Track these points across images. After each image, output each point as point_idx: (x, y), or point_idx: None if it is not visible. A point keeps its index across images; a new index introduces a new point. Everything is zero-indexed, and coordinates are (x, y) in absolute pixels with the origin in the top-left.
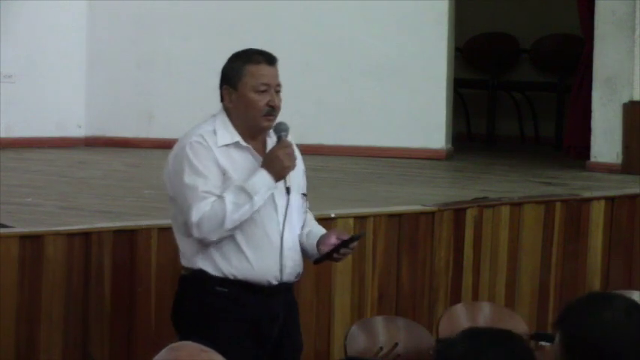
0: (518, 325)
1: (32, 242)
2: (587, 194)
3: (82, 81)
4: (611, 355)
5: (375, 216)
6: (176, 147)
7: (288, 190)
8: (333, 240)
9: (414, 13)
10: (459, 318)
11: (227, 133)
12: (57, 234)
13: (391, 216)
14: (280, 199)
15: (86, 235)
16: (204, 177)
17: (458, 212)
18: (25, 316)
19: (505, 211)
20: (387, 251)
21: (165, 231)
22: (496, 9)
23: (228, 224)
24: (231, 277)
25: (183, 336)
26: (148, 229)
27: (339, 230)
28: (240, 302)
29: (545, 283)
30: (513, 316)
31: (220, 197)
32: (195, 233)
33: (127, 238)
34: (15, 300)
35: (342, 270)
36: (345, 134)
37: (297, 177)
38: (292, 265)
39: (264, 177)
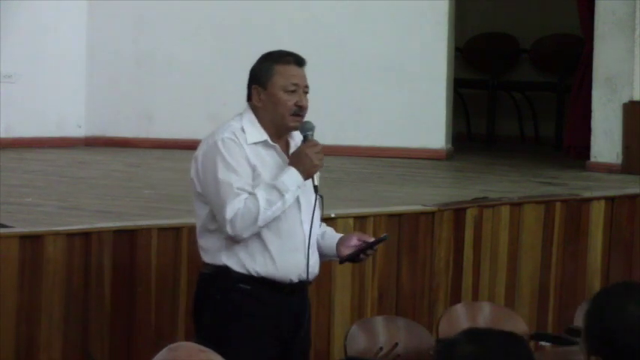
0: (518, 325)
1: (32, 242)
2: (587, 194)
3: (82, 81)
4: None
5: (375, 216)
6: (204, 144)
7: (316, 189)
8: (355, 242)
9: (414, 13)
10: (459, 318)
11: (256, 131)
12: (57, 234)
13: (391, 216)
14: (303, 198)
15: (86, 235)
16: (238, 173)
17: (458, 212)
18: (25, 316)
19: (505, 211)
20: (387, 251)
21: (166, 231)
22: (496, 9)
23: (261, 222)
24: (255, 275)
25: (205, 333)
26: (148, 229)
27: (360, 232)
28: (262, 300)
29: (545, 283)
30: (513, 316)
31: (252, 194)
32: (229, 230)
33: (127, 238)
34: (15, 300)
35: (342, 270)
36: (345, 134)
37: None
38: (313, 265)
39: (294, 175)
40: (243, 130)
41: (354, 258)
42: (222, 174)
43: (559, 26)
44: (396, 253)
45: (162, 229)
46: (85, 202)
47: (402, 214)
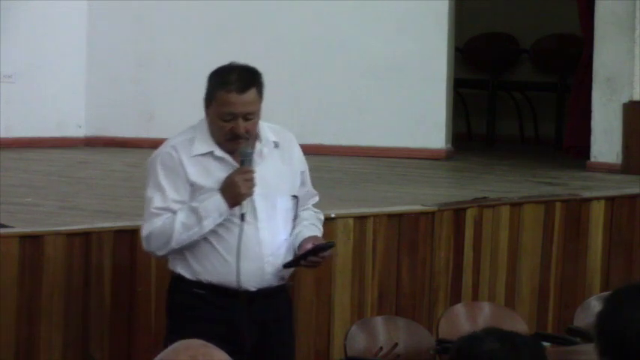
0: (518, 325)
1: (32, 242)
2: (587, 194)
3: (82, 81)
4: None
5: (375, 216)
6: (154, 152)
7: (242, 217)
8: (309, 247)
9: (414, 13)
10: (459, 318)
11: (204, 142)
12: (57, 234)
13: (391, 216)
14: (263, 204)
15: (86, 235)
16: (163, 192)
17: (458, 212)
18: (25, 315)
19: (505, 211)
20: (387, 251)
21: None
22: (496, 9)
23: (174, 244)
24: (205, 281)
25: (167, 335)
26: None
27: (318, 238)
28: (216, 305)
29: (545, 283)
30: (513, 316)
31: (174, 214)
32: (145, 246)
33: (127, 238)
34: (15, 300)
35: (342, 270)
36: (345, 134)
37: (289, 179)
38: (273, 271)
39: (217, 202)
40: (192, 140)
41: (294, 264)
42: (149, 191)
43: (559, 26)
44: (396, 253)
45: None
46: (85, 202)
47: (402, 214)
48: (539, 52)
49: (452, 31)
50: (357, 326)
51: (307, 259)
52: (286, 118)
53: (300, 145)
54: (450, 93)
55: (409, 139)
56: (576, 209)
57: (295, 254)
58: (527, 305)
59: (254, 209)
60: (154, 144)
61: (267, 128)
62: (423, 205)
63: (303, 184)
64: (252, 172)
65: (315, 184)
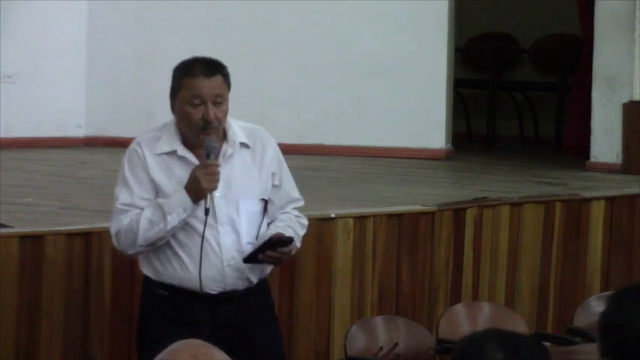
0: (518, 325)
1: (32, 242)
2: (587, 194)
3: (82, 81)
4: None
5: (375, 216)
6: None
7: (206, 212)
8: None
9: (414, 13)
10: (459, 318)
11: (169, 141)
12: (57, 234)
13: (391, 216)
14: (224, 206)
15: (86, 235)
16: (130, 189)
17: (458, 212)
18: (25, 316)
19: (505, 211)
20: (387, 251)
21: None
22: (496, 9)
23: (142, 241)
24: (168, 283)
25: (136, 335)
26: None
27: (281, 234)
28: (180, 307)
29: (545, 283)
30: (513, 316)
31: (140, 211)
32: (115, 244)
33: None
34: (15, 300)
35: (342, 270)
36: (345, 134)
37: (256, 182)
38: (236, 275)
39: (182, 197)
40: (158, 139)
41: (252, 258)
42: (117, 188)
43: (559, 26)
44: (396, 253)
45: None
46: (85, 202)
47: (402, 214)
48: (539, 52)
49: (452, 31)
50: (357, 326)
51: (265, 253)
52: (286, 118)
53: (300, 145)
54: (450, 93)
55: (409, 139)
56: (576, 209)
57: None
58: (527, 305)
59: (214, 212)
60: None
61: (237, 128)
62: (423, 205)
63: (278, 186)
64: (216, 166)
65: (315, 184)
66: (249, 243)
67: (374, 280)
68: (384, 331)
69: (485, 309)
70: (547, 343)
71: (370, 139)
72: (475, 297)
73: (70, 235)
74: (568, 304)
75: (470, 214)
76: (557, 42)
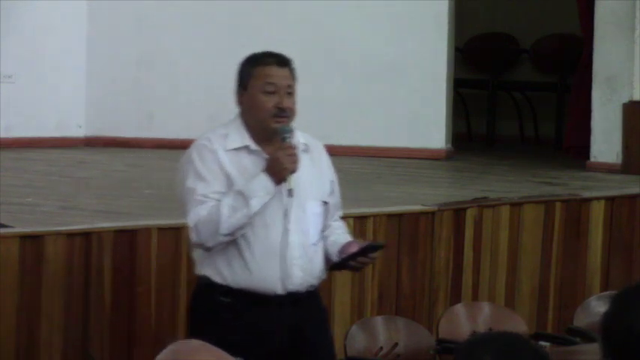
0: (518, 325)
1: (32, 242)
2: (587, 194)
3: (82, 81)
4: None
5: (375, 216)
6: (187, 150)
7: (290, 193)
8: (354, 248)
9: (414, 13)
10: (459, 318)
11: (239, 136)
12: (57, 234)
13: (391, 216)
14: (296, 204)
15: (86, 235)
16: (206, 181)
17: (458, 212)
18: (25, 316)
19: (505, 211)
20: (387, 251)
21: (165, 231)
22: (496, 9)
23: (224, 229)
24: (234, 286)
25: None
26: (147, 229)
27: (361, 240)
28: (244, 312)
29: (545, 283)
30: (513, 316)
31: (219, 201)
32: (194, 238)
33: (127, 238)
34: (15, 300)
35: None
36: (345, 134)
37: (318, 183)
38: (302, 275)
39: (263, 180)
40: (227, 135)
41: (343, 266)
42: (190, 181)
43: (559, 26)
44: (396, 253)
45: (162, 229)
46: (85, 202)
47: (402, 214)
48: (539, 52)
49: (452, 31)
50: (357, 326)
51: (358, 259)
52: None
53: None
54: (450, 93)
55: (409, 139)
56: (576, 209)
57: (341, 257)
58: (527, 305)
59: (284, 209)
60: (154, 144)
61: (297, 131)
62: (423, 205)
63: (332, 193)
64: (293, 147)
65: None
66: (314, 244)
67: (374, 280)
68: (384, 331)
69: (485, 309)
70: (547, 343)
71: (370, 139)
72: (475, 297)
73: (70, 235)
74: (568, 304)
75: (470, 214)
76: (557, 42)
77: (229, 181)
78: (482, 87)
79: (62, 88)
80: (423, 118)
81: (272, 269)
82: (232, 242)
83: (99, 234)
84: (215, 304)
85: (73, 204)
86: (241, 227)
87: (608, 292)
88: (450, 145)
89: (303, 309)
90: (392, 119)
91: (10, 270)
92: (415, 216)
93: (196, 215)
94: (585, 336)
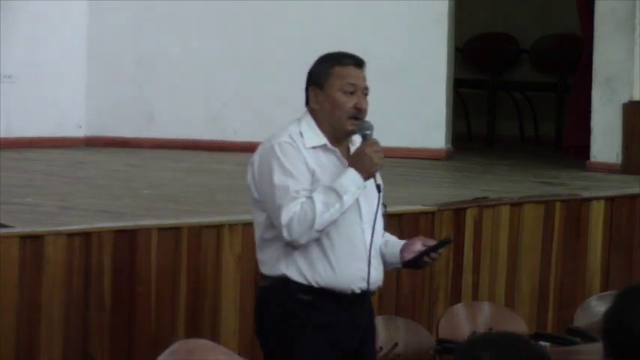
0: (518, 325)
1: (32, 242)
2: (587, 194)
3: (82, 81)
4: None
5: None
6: (261, 149)
7: (379, 188)
8: (419, 246)
9: (414, 13)
10: (459, 318)
11: (314, 135)
12: (57, 234)
13: (391, 216)
14: (365, 206)
15: (86, 235)
16: (294, 177)
17: (458, 212)
18: (25, 316)
19: (505, 211)
20: None
21: (166, 231)
22: (496, 9)
23: (318, 225)
24: (315, 285)
25: (268, 347)
26: (147, 229)
27: (423, 237)
28: (324, 311)
29: (545, 283)
30: (513, 316)
31: (309, 198)
32: (285, 235)
33: (127, 238)
34: (15, 300)
35: None
36: None
37: (373, 185)
38: (375, 275)
39: (353, 175)
40: (301, 134)
41: (416, 262)
42: (278, 178)
43: (559, 26)
44: None
45: (162, 229)
46: (85, 202)
47: (402, 214)
48: (539, 52)
49: (452, 31)
50: None
51: (430, 255)
52: (287, 118)
53: None
54: (450, 93)
55: (409, 139)
56: (576, 209)
57: (404, 257)
58: (527, 305)
59: (359, 210)
60: (154, 144)
61: None
62: (423, 205)
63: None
64: (378, 143)
65: None
66: (380, 245)
67: None
68: (384, 331)
69: (485, 309)
70: (547, 343)
71: None
72: (475, 297)
73: (70, 235)
74: (568, 304)
75: (470, 214)
76: (557, 42)
77: (314, 178)
78: (482, 87)
79: (62, 88)
80: (423, 118)
81: (356, 269)
82: (314, 241)
83: (99, 234)
84: (293, 302)
85: (73, 204)
86: (332, 223)
87: (608, 292)
88: (450, 145)
89: (366, 309)
90: (392, 119)
91: (10, 270)
92: (415, 216)
93: (288, 213)
94: (585, 336)
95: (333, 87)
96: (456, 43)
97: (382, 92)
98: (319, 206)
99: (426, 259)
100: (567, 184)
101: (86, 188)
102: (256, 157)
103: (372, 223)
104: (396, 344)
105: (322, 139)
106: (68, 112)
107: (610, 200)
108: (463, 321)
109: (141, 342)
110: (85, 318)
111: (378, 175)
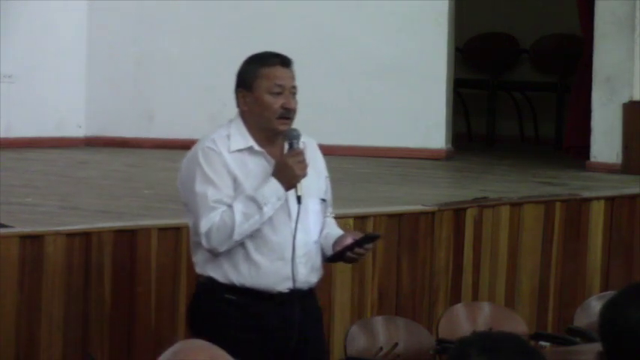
0: (518, 325)
1: (32, 242)
2: (587, 194)
3: (82, 81)
4: None
5: (375, 216)
6: (190, 152)
7: (299, 199)
8: (349, 240)
9: (414, 13)
10: (459, 318)
11: (241, 137)
12: (57, 234)
13: (391, 216)
14: (294, 206)
15: (86, 235)
16: (215, 185)
17: (458, 212)
18: (25, 316)
19: (505, 211)
20: (387, 251)
21: (166, 231)
22: (496, 9)
23: (237, 235)
24: (239, 285)
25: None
26: (147, 229)
27: (356, 231)
28: (251, 310)
29: (545, 283)
30: (513, 316)
31: (230, 207)
32: (205, 243)
33: (127, 238)
34: (15, 300)
35: (342, 270)
36: (345, 134)
37: (316, 181)
38: (306, 273)
39: (274, 186)
40: (229, 137)
41: (341, 256)
42: (199, 186)
43: (559, 26)
44: (396, 253)
45: (162, 229)
46: (85, 202)
47: (402, 214)
48: (539, 52)
49: (452, 31)
50: (357, 326)
51: (354, 250)
52: None
53: None
54: (450, 93)
55: (409, 139)
56: (576, 209)
57: (334, 250)
58: (527, 305)
59: (288, 210)
60: (154, 144)
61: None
62: (423, 205)
63: (327, 190)
64: (302, 153)
65: None
66: (315, 242)
67: (374, 280)
68: (384, 331)
69: (485, 309)
70: (547, 343)
71: (370, 139)
72: (475, 297)
73: (70, 235)
74: (568, 304)
75: (470, 214)
76: (557, 42)
77: (236, 184)
78: (482, 87)
79: (62, 88)
80: (423, 118)
81: (280, 269)
82: (239, 244)
83: (99, 234)
84: (220, 302)
85: (72, 204)
86: (252, 232)
87: (608, 292)
88: (450, 145)
89: (304, 307)
90: (392, 119)
91: (10, 270)
92: (415, 216)
93: (208, 222)
94: (585, 336)
95: (260, 88)
96: (456, 43)
97: (382, 92)
98: (238, 217)
99: (349, 254)
100: (567, 184)
101: (86, 188)
102: (184, 161)
103: (309, 223)
104: (396, 344)
105: (249, 142)
106: (68, 112)
107: (610, 200)
108: (463, 321)
109: (141, 342)
110: (85, 318)
111: (299, 186)
